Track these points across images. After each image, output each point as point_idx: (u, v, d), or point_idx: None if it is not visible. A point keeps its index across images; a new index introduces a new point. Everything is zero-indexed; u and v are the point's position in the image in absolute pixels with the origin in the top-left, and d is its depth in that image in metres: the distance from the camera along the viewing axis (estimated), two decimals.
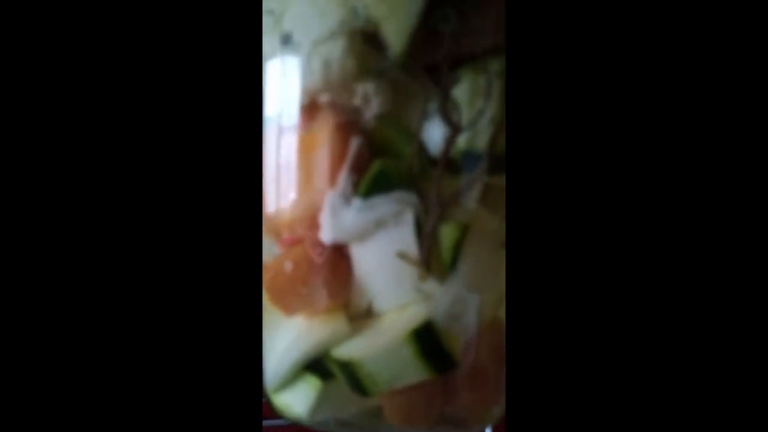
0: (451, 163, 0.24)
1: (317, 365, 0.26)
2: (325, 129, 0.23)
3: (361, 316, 0.26)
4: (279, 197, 0.26)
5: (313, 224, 0.24)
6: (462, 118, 0.23)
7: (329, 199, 0.23)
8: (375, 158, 0.23)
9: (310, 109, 0.24)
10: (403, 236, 0.24)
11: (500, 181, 0.23)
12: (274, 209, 0.26)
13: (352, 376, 0.25)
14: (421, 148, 0.24)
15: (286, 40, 0.23)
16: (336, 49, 0.22)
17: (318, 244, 0.24)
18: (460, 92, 0.23)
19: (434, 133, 0.24)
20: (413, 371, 0.25)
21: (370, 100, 0.23)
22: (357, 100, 0.23)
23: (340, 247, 0.25)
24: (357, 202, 0.23)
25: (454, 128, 0.23)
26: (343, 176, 0.23)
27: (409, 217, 0.23)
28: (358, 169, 0.23)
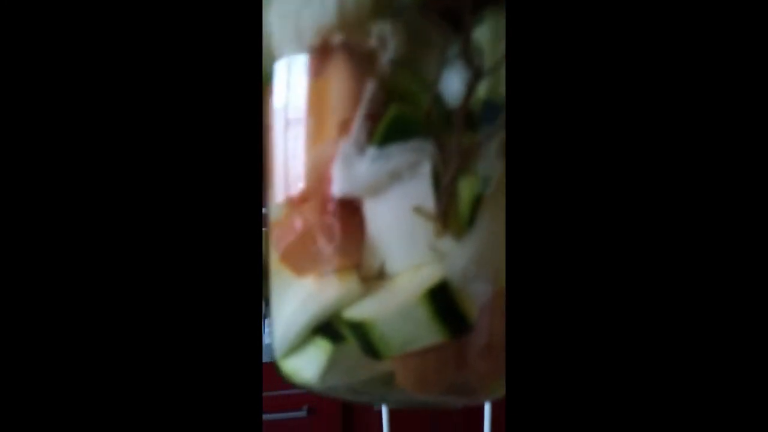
0: (470, 114, 0.22)
1: (328, 328, 0.25)
2: (337, 72, 0.22)
3: (373, 277, 0.24)
4: (287, 150, 0.25)
5: (324, 178, 0.23)
6: (484, 63, 0.22)
7: (342, 148, 0.22)
8: (387, 106, 0.22)
9: (321, 51, 0.22)
10: (419, 189, 0.22)
11: None
12: (282, 164, 0.25)
13: (365, 337, 0.23)
14: (438, 98, 0.23)
15: None
16: None
17: (329, 198, 0.23)
18: (482, 34, 0.22)
19: (453, 82, 0.22)
20: (427, 333, 0.23)
21: (386, 42, 0.21)
22: (372, 42, 0.22)
23: (353, 203, 0.23)
24: (371, 151, 0.22)
25: (477, 71, 0.21)
26: (357, 123, 0.22)
27: (426, 168, 0.22)
28: (373, 115, 0.22)
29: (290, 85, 0.24)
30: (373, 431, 1.42)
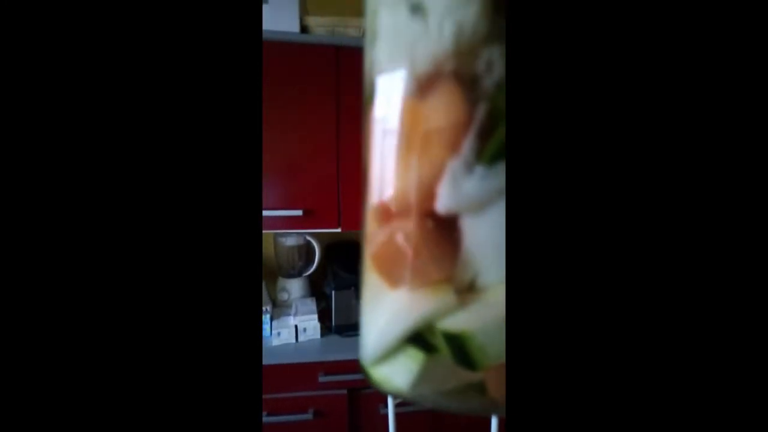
0: None
1: (420, 338, 0.26)
2: (447, 96, 0.23)
3: (464, 290, 0.25)
4: (384, 168, 0.25)
5: (428, 194, 0.24)
6: None
7: (450, 167, 0.23)
8: (496, 126, 0.23)
9: (430, 77, 0.23)
10: None
11: None
12: (381, 180, 0.25)
13: (461, 348, 0.24)
14: None
15: (416, 8, 0.23)
16: (470, 12, 0.21)
17: (430, 214, 0.24)
18: None
19: None
20: None
21: (493, 66, 0.22)
22: (480, 66, 0.22)
23: (451, 218, 0.24)
24: (480, 169, 0.23)
25: None
26: (468, 143, 0.23)
27: None
28: (483, 135, 0.23)
29: (394, 107, 0.24)
30: None
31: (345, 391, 1.40)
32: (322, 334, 1.50)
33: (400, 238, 0.25)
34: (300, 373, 1.36)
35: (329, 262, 1.66)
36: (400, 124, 0.24)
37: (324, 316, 1.57)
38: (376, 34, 0.24)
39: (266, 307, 1.45)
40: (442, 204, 0.23)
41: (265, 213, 1.46)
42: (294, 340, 1.45)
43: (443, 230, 0.24)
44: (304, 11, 1.44)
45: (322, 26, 1.39)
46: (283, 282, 1.62)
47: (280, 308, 1.58)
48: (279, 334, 1.42)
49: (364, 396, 1.43)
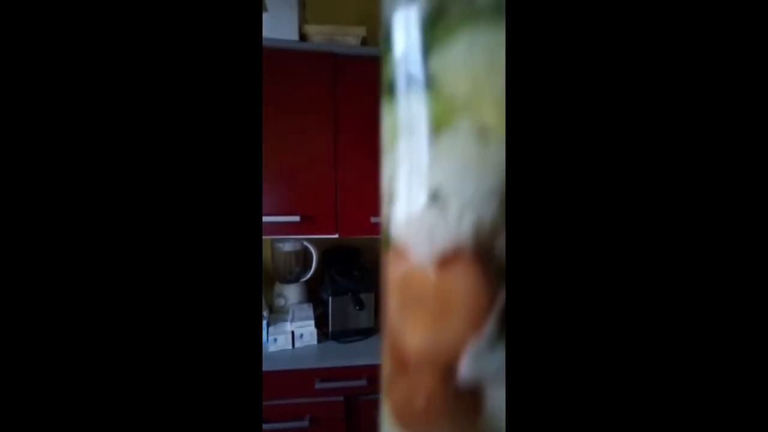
0: None
1: None
2: (467, 276, 0.23)
3: None
4: (402, 321, 0.26)
5: (449, 358, 0.24)
6: None
7: (472, 344, 0.23)
8: None
9: (447, 256, 0.23)
10: None
11: None
12: (396, 329, 0.26)
13: None
14: None
15: (435, 198, 0.23)
16: (491, 209, 0.22)
17: (452, 376, 0.24)
18: None
19: None
20: None
21: None
22: (499, 247, 0.23)
23: (475, 384, 0.25)
24: (502, 347, 0.23)
25: None
26: (490, 324, 0.23)
27: None
28: (504, 317, 0.23)
29: (411, 273, 0.24)
30: None
31: (342, 398, 1.43)
32: (319, 341, 1.52)
33: (420, 399, 0.25)
34: (296, 379, 1.38)
35: (326, 268, 1.67)
36: (418, 293, 0.24)
37: (321, 322, 1.58)
38: (393, 199, 0.24)
39: (263, 313, 1.46)
40: (465, 375, 0.24)
41: (262, 219, 1.47)
42: (291, 347, 1.46)
43: (465, 393, 0.25)
44: (303, 20, 1.42)
45: (320, 34, 1.37)
46: (280, 287, 1.63)
47: (276, 314, 1.59)
48: (276, 340, 1.43)
49: (360, 403, 1.45)
